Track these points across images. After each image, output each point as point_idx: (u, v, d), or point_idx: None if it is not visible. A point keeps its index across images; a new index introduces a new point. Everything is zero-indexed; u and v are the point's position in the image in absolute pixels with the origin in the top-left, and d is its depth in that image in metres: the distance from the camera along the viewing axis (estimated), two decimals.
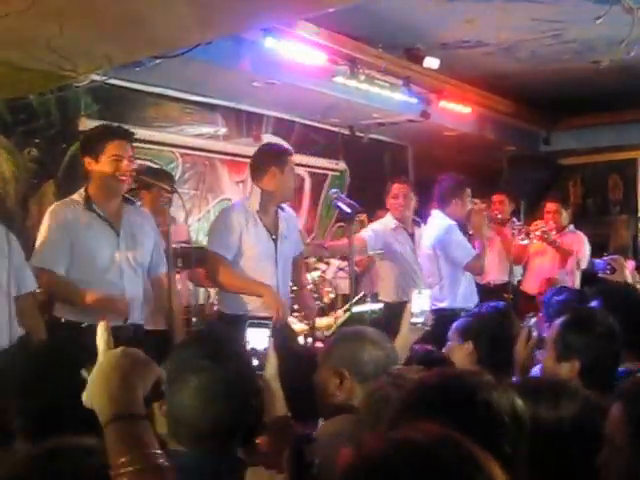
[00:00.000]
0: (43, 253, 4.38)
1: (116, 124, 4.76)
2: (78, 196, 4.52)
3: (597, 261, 6.34)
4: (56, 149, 6.28)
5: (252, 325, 2.84)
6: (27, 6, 3.98)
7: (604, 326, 2.95)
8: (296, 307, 5.77)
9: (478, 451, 1.25)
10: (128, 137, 4.55)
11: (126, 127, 6.21)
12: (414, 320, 3.62)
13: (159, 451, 1.56)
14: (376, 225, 6.63)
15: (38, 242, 4.41)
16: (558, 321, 3.01)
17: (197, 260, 5.33)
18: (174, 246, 5.03)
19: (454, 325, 3.97)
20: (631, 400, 1.96)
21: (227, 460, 2.20)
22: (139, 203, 4.97)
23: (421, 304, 3.66)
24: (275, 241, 5.09)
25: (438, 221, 6.32)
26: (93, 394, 1.63)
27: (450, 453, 1.22)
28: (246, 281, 4.99)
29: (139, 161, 5.89)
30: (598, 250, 8.12)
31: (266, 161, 5.10)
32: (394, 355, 2.98)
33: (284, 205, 5.30)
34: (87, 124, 6.40)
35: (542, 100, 9.70)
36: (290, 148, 5.52)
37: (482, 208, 6.44)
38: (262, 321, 2.89)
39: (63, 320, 4.44)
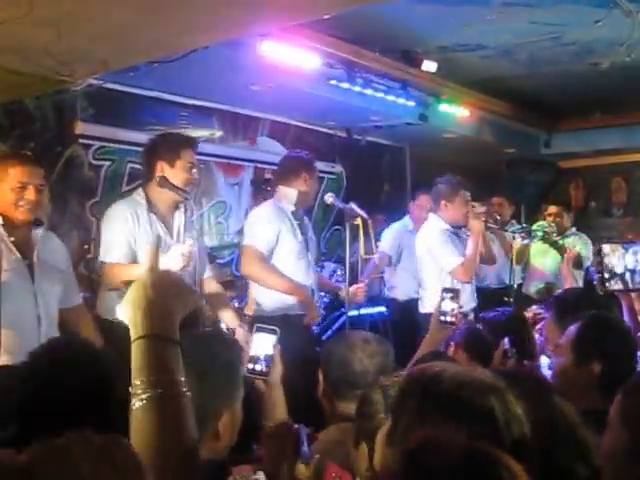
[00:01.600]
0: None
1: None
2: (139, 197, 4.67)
3: (592, 269, 6.30)
4: (52, 153, 6.25)
5: (259, 330, 2.83)
6: (24, 13, 3.96)
7: (621, 329, 2.97)
8: None
9: (507, 459, 1.23)
10: (196, 147, 4.83)
11: (121, 130, 6.30)
12: (443, 319, 3.62)
13: (182, 379, 1.52)
14: (396, 227, 7.40)
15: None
16: (574, 326, 2.99)
17: None
18: None
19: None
20: (628, 390, 1.97)
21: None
22: None
23: (450, 303, 3.66)
24: (307, 241, 5.36)
25: (430, 225, 6.31)
26: (131, 307, 1.58)
27: (481, 464, 1.20)
28: (282, 278, 5.19)
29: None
30: None
31: (299, 166, 5.44)
32: (375, 360, 2.92)
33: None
34: (83, 128, 6.39)
35: (542, 103, 9.68)
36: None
37: (481, 212, 6.38)
38: (270, 326, 2.89)
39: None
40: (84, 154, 6.53)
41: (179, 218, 4.70)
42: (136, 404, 1.48)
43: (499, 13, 6.23)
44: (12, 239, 3.99)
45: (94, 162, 6.63)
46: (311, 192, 5.49)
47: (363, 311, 7.21)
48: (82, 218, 6.52)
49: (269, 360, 2.76)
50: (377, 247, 6.70)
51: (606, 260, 3.67)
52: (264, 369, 2.74)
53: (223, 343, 2.47)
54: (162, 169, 4.58)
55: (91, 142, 6.57)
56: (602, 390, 2.76)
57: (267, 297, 5.21)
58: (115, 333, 4.21)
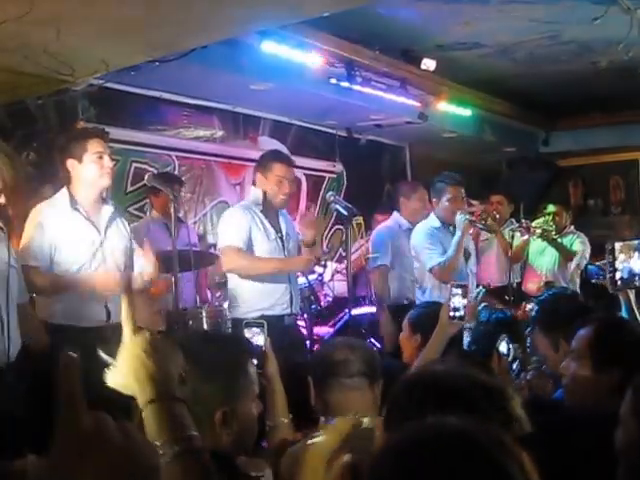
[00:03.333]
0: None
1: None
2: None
3: (590, 267, 6.31)
4: (54, 153, 6.25)
5: (248, 325, 2.87)
6: (24, 12, 3.99)
7: (635, 331, 2.95)
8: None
9: (506, 437, 1.26)
10: (104, 135, 4.66)
11: (123, 130, 6.31)
12: (453, 314, 3.66)
13: (196, 434, 1.57)
14: (389, 225, 6.82)
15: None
16: (586, 331, 2.93)
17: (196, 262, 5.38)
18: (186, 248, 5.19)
19: (407, 316, 4.10)
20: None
21: None
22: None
23: (461, 299, 3.68)
24: (282, 239, 5.26)
25: (421, 223, 6.28)
26: (131, 378, 1.62)
27: (484, 438, 1.22)
28: (266, 260, 5.17)
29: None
30: (601, 251, 8.08)
31: (255, 166, 5.43)
32: (357, 353, 2.91)
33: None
34: None
35: (541, 101, 9.70)
36: (283, 155, 5.61)
37: (476, 210, 6.34)
38: (257, 321, 2.93)
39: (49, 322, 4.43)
40: None
41: (107, 212, 4.63)
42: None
43: (497, 12, 6.25)
44: None
45: None
46: (270, 192, 5.27)
47: (363, 310, 7.22)
48: None
49: (260, 353, 2.81)
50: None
51: (618, 259, 3.64)
52: (258, 362, 2.77)
53: (223, 343, 2.50)
54: (72, 166, 4.52)
55: None
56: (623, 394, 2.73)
57: (244, 299, 5.17)
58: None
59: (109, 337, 4.30)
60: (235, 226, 5.17)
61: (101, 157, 4.51)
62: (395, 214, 6.80)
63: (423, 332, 3.81)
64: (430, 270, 5.95)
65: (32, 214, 4.52)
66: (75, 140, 4.58)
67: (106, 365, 1.67)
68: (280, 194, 5.27)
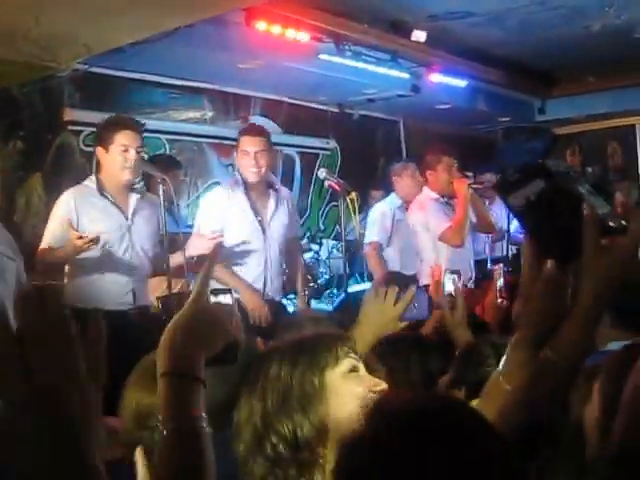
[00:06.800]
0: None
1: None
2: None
3: None
4: (41, 141, 6.21)
5: (214, 293, 2.84)
6: None
7: None
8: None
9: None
10: (136, 127, 4.64)
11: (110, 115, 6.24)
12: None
13: (203, 415, 1.52)
14: (382, 207, 6.88)
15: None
16: None
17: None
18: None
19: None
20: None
21: None
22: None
23: (451, 285, 3.61)
24: (261, 222, 5.11)
25: (419, 197, 6.23)
26: (162, 341, 1.59)
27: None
28: (230, 276, 4.96)
29: None
30: None
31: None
32: None
33: (278, 184, 5.39)
34: (71, 114, 6.35)
35: (535, 69, 9.61)
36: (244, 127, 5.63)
37: (466, 180, 6.21)
38: (224, 288, 2.90)
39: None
40: (75, 141, 6.49)
41: (133, 200, 4.66)
42: (158, 437, 1.51)
43: None
44: None
45: (85, 148, 6.58)
46: (240, 167, 5.19)
47: (362, 287, 7.18)
48: None
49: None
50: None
51: None
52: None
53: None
54: (101, 154, 4.55)
55: (81, 128, 6.52)
56: None
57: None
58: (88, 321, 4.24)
59: (135, 320, 4.46)
60: (206, 213, 5.15)
61: (126, 150, 4.52)
62: (392, 194, 6.98)
63: None
64: (440, 237, 5.88)
65: (60, 199, 4.56)
66: (106, 129, 4.60)
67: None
68: (247, 165, 5.12)
